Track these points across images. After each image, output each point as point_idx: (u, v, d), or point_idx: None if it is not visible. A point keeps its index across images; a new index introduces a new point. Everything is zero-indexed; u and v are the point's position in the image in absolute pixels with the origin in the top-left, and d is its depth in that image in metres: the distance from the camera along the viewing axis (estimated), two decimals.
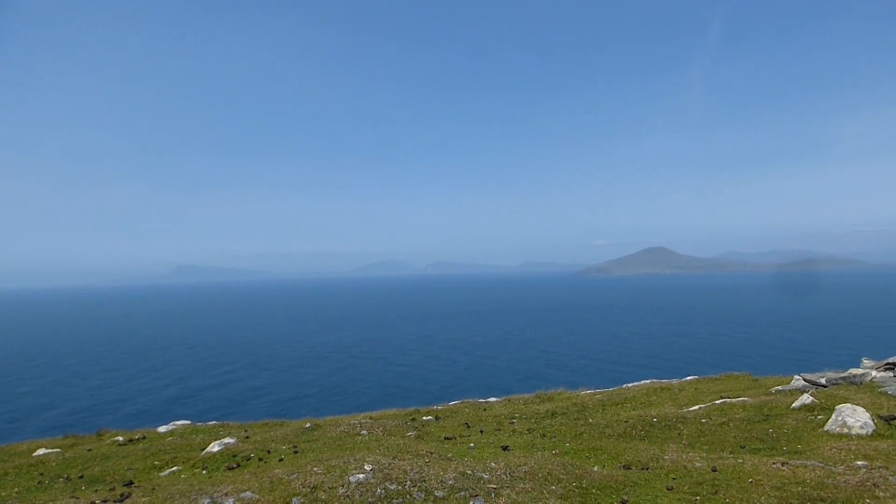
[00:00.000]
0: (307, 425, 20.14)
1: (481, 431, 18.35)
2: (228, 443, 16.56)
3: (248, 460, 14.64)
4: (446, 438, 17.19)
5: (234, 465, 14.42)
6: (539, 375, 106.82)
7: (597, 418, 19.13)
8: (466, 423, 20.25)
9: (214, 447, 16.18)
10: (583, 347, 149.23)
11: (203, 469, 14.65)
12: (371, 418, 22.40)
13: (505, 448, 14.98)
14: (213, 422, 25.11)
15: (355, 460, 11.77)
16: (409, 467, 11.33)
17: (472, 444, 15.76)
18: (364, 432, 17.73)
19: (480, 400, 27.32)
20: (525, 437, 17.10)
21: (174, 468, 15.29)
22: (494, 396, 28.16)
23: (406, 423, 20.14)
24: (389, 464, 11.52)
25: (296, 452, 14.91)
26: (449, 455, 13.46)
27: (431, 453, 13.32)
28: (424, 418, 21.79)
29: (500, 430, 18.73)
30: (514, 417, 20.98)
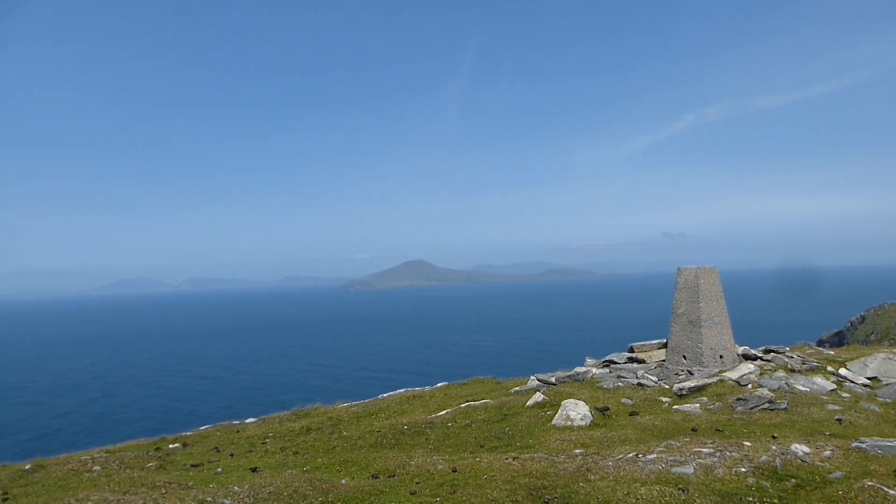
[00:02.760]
0: (27, 467, 17.78)
1: (232, 455, 17.59)
2: None
3: None
4: (193, 466, 16.21)
5: None
6: (313, 389, 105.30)
7: (351, 430, 19.27)
8: (216, 448, 19.29)
9: None
10: (351, 359, 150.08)
11: None
12: (108, 452, 20.38)
13: (254, 470, 14.48)
14: None
15: (77, 501, 10.60)
16: (141, 502, 10.47)
17: (219, 470, 15.02)
18: (97, 468, 16.07)
19: (235, 422, 26.22)
20: (277, 456, 16.71)
21: None
22: (253, 416, 27.20)
23: (148, 453, 18.64)
24: (119, 500, 10.55)
25: (6, 500, 13.07)
26: (190, 483, 12.67)
27: (170, 483, 12.45)
28: (171, 446, 20.37)
29: (251, 451, 18.11)
30: (268, 437, 20.41)
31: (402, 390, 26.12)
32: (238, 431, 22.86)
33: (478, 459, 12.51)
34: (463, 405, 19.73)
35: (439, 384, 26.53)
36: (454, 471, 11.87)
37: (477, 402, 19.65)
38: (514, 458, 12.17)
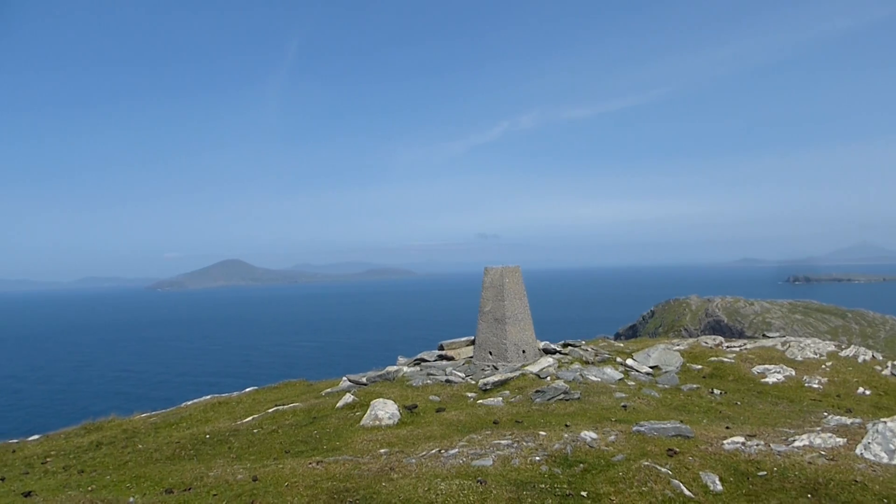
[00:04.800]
0: None
1: (2, 479, 15.65)
2: None
3: None
4: None
5: None
6: (115, 399, 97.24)
7: (147, 443, 17.93)
8: None
9: None
10: (161, 365, 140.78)
11: None
12: None
13: (27, 494, 12.95)
14: None
15: None
16: None
17: None
18: None
19: (12, 441, 23.38)
20: (59, 476, 15.12)
21: None
22: (38, 433, 24.39)
23: None
24: None
25: None
26: None
27: None
28: None
29: (28, 473, 16.23)
30: (50, 455, 18.43)
31: (208, 397, 24.74)
32: (14, 451, 20.42)
33: (281, 466, 12.11)
34: (271, 410, 19.08)
35: (248, 389, 25.46)
36: (255, 479, 11.39)
37: (286, 406, 19.09)
38: (318, 462, 11.92)
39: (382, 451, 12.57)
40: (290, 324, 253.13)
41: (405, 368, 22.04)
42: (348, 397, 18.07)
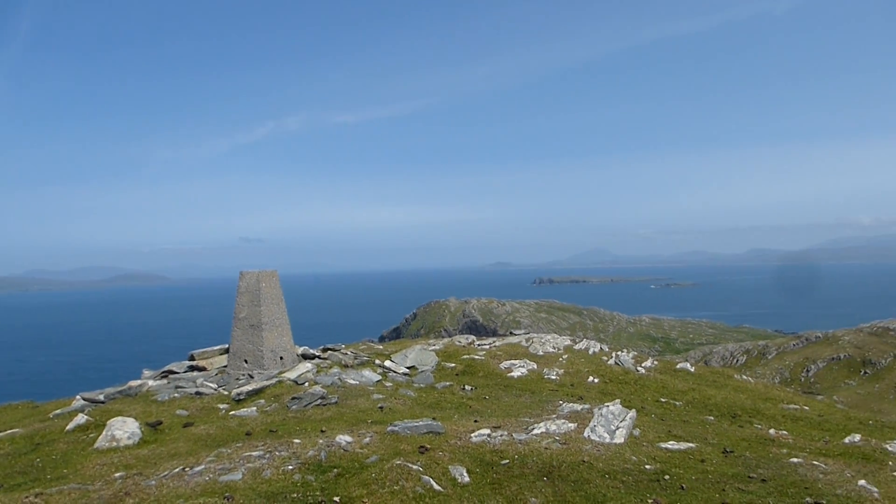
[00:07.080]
0: None
1: None
2: None
3: None
4: None
5: None
6: None
7: None
8: None
9: None
10: None
11: None
12: None
13: None
14: None
15: None
16: None
17: None
18: None
19: None
20: None
21: None
22: None
23: None
24: None
25: None
26: None
27: None
28: None
29: None
30: None
31: None
32: None
33: None
34: None
35: None
36: None
37: (2, 434, 16.57)
38: (37, 495, 10.45)
39: (118, 475, 11.38)
40: (16, 338, 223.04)
41: (150, 382, 20.32)
42: (81, 418, 16.18)
